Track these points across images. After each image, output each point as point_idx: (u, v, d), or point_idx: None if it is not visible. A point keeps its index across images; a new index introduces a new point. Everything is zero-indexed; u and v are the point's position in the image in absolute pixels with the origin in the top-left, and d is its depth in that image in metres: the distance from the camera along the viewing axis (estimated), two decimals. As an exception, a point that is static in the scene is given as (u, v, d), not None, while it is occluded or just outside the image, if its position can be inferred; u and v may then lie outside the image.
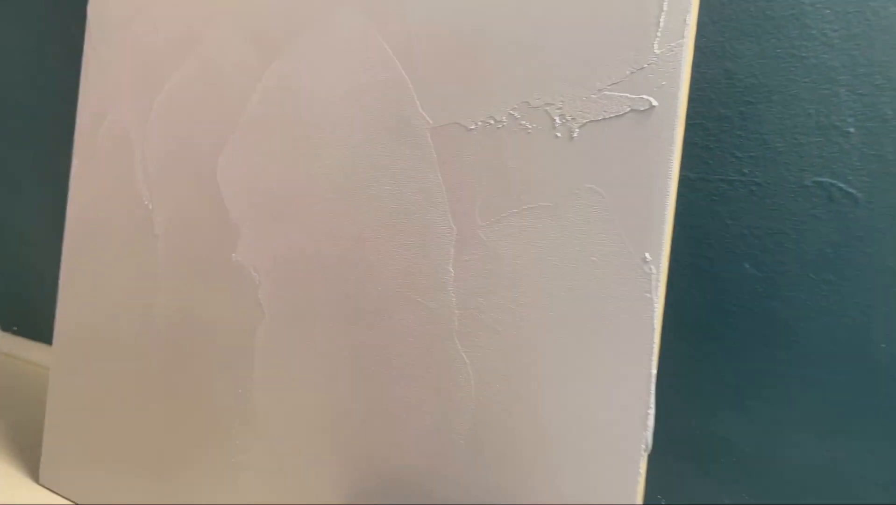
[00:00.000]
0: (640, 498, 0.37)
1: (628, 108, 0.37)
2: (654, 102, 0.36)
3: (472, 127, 0.42)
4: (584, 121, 0.39)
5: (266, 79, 0.51)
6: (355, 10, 0.47)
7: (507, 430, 0.41)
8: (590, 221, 0.38)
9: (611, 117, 0.38)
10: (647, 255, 0.37)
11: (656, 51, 0.36)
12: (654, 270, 0.36)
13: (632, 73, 0.37)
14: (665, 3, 0.36)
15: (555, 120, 0.40)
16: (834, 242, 0.43)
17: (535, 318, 0.40)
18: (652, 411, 0.36)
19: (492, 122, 0.42)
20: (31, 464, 0.67)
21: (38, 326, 0.93)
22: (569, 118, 0.39)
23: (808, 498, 0.45)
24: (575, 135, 0.39)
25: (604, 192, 0.38)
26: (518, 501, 0.41)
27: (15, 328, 0.95)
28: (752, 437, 0.46)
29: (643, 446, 0.36)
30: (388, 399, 0.45)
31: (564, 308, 0.39)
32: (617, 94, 0.38)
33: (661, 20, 0.37)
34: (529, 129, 0.40)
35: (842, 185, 0.42)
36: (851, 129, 0.41)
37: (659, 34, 0.37)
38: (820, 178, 0.42)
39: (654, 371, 0.36)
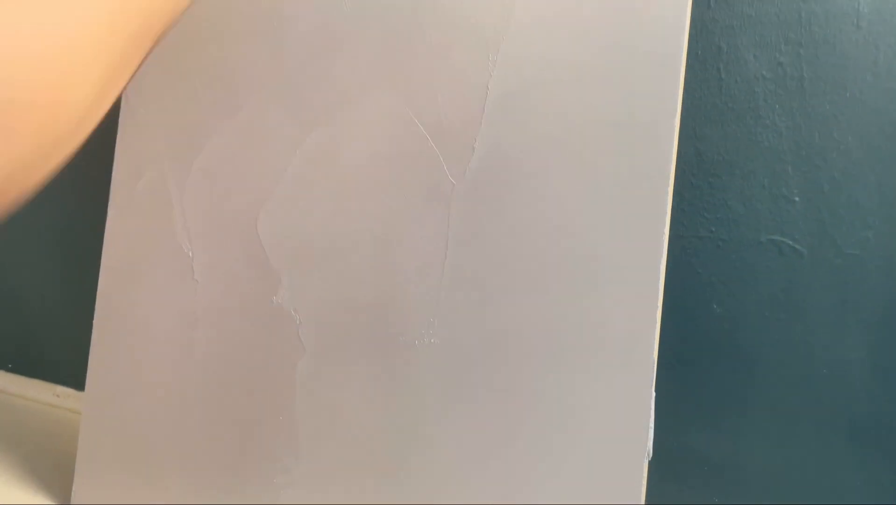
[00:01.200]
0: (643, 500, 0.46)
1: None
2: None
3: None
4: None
5: (306, 146, 0.59)
6: (388, 91, 0.56)
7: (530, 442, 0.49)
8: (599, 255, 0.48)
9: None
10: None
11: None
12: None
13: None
14: (656, 112, 0.46)
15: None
16: (784, 288, 0.53)
17: (546, 345, 0.49)
18: (652, 421, 0.45)
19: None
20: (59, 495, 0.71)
21: (34, 364, 0.97)
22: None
23: (769, 497, 0.55)
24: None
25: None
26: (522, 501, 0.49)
27: (10, 365, 0.99)
28: (721, 447, 0.56)
29: (646, 453, 0.45)
30: (420, 423, 0.53)
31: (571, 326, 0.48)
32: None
33: (652, 121, 0.47)
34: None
35: (789, 241, 0.52)
36: (797, 199, 0.52)
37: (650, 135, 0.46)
38: (772, 237, 0.53)
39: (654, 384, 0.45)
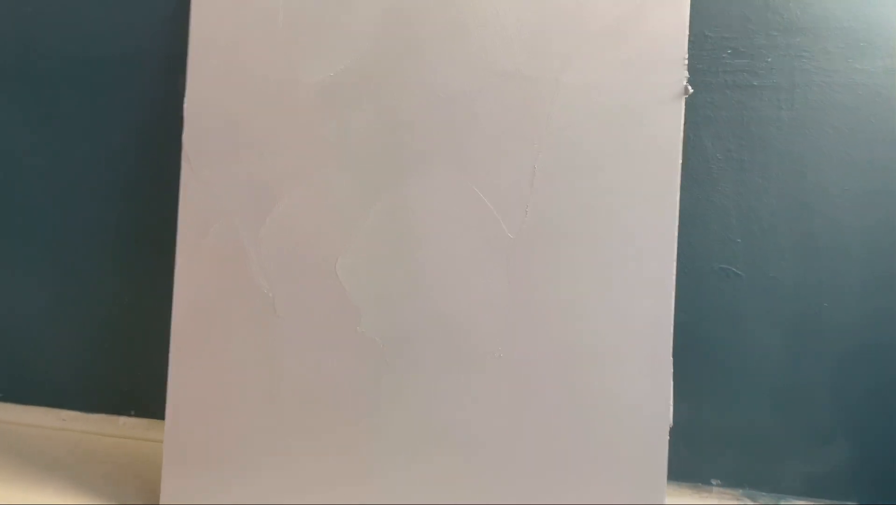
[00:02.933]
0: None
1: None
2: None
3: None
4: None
5: (377, 207, 0.74)
6: (450, 164, 0.72)
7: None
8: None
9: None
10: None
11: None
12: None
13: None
14: (661, 185, 0.67)
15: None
16: (730, 304, 0.77)
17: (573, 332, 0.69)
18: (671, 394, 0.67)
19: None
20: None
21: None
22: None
23: (721, 449, 0.79)
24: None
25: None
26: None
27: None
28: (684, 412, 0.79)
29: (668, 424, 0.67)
30: (492, 418, 0.71)
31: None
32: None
33: (656, 192, 0.68)
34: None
35: (734, 269, 0.76)
36: (738, 240, 0.76)
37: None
38: (721, 265, 0.76)
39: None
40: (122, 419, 1.01)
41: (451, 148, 0.72)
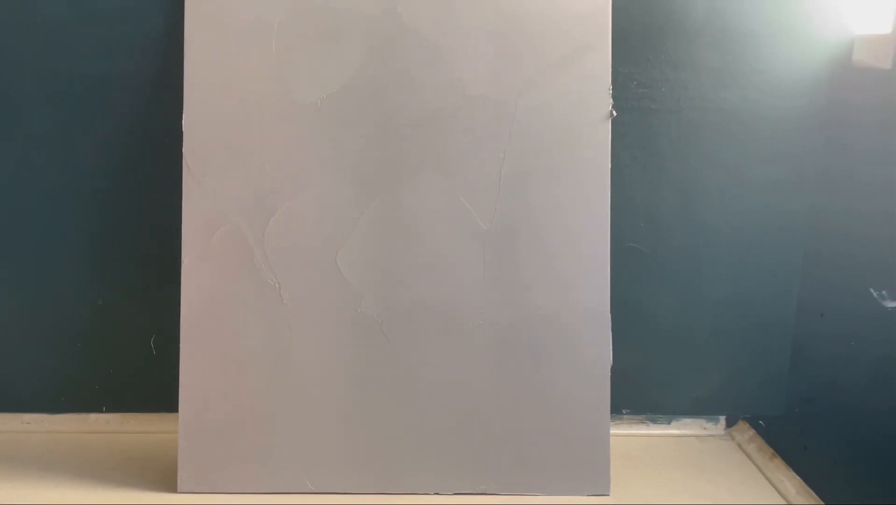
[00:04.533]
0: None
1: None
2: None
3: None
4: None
5: (371, 207, 0.88)
6: (432, 171, 0.88)
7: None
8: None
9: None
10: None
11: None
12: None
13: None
14: (592, 200, 0.89)
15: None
16: (637, 273, 1.01)
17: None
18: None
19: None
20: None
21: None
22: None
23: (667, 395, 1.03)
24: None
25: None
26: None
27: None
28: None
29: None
30: (476, 381, 0.89)
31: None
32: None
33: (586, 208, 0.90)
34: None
35: (639, 246, 1.00)
36: (641, 224, 1.00)
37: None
38: (630, 244, 1.00)
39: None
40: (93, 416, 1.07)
41: (432, 158, 0.89)
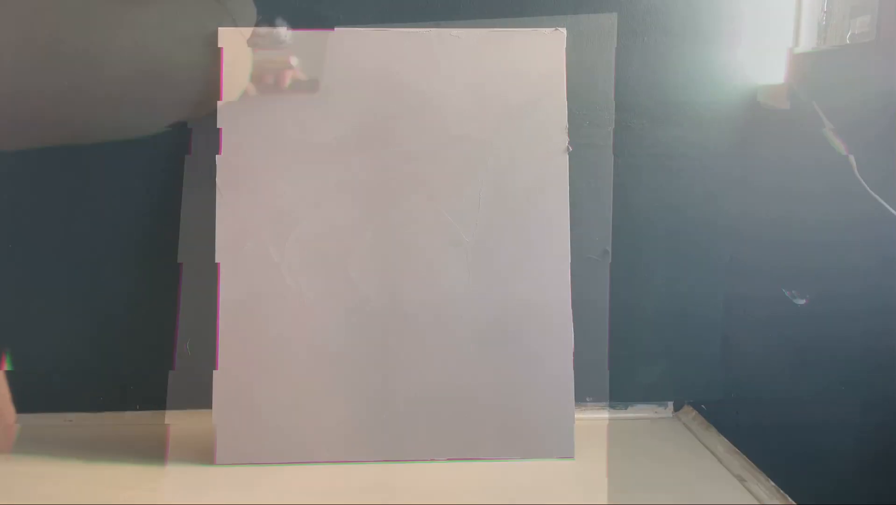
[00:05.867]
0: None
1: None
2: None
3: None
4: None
5: (373, 225, 1.08)
6: (423, 195, 1.09)
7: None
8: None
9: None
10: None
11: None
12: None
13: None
14: (553, 205, 1.10)
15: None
16: (602, 272, 1.22)
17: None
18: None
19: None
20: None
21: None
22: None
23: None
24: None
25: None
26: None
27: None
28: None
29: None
30: (465, 359, 1.08)
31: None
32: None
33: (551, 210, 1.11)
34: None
35: (609, 249, 1.21)
36: (596, 237, 1.21)
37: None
38: (604, 247, 1.21)
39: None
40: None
41: (423, 185, 1.10)
